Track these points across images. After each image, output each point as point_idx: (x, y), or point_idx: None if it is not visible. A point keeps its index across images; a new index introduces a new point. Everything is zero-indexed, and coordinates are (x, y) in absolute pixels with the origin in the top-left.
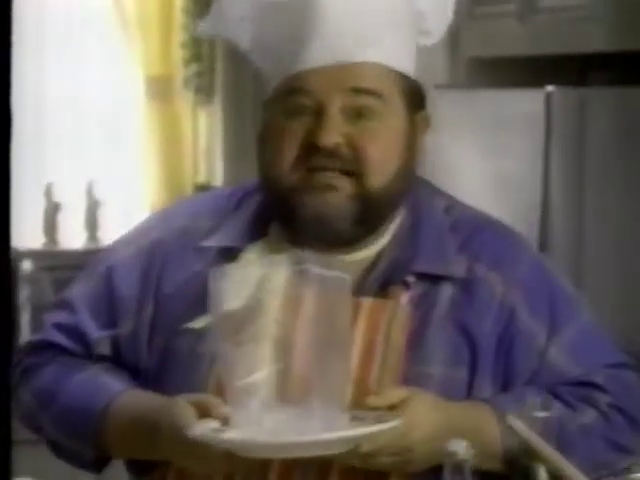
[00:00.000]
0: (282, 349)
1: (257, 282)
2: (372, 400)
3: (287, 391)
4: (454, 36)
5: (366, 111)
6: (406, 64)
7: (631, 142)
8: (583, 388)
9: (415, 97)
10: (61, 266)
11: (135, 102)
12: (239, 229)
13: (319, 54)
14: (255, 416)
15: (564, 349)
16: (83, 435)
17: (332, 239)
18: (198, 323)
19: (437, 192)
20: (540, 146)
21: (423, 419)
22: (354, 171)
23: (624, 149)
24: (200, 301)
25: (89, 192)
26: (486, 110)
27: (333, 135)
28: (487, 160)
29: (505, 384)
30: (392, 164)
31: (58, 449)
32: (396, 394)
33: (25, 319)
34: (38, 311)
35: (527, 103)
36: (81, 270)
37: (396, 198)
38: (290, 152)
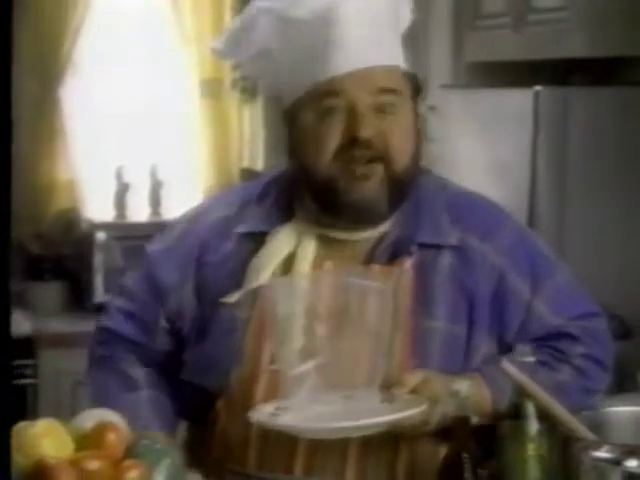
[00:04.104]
0: (324, 343)
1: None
2: (398, 390)
3: (330, 378)
4: (457, 43)
5: (387, 106)
6: (405, 61)
7: (606, 133)
8: (559, 342)
9: (417, 90)
10: (129, 236)
11: (191, 100)
12: (266, 214)
13: (346, 62)
14: (305, 402)
15: (545, 302)
16: None
17: (371, 219)
18: (233, 297)
19: (429, 172)
20: (529, 137)
21: (439, 396)
22: (383, 158)
23: (601, 140)
24: (234, 279)
25: (153, 174)
26: (483, 106)
27: (369, 128)
28: (483, 149)
29: (499, 335)
30: (410, 149)
31: None
32: (414, 377)
33: (99, 281)
34: (110, 274)
35: (518, 100)
36: (146, 240)
37: (414, 179)
38: (331, 145)
